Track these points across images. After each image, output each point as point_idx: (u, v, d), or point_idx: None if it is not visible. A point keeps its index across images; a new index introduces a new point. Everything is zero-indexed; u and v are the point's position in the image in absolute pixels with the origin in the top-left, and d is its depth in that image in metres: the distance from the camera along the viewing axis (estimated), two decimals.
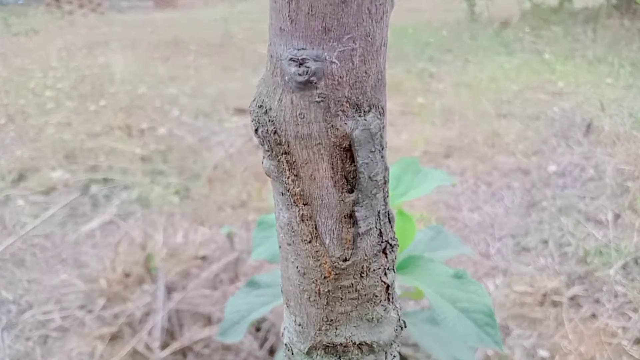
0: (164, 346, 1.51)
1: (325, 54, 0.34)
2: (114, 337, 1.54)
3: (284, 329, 0.47)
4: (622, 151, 2.54)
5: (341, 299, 0.42)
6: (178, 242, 2.00)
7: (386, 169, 0.39)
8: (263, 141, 0.38)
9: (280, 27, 0.34)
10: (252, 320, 1.20)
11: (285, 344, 0.47)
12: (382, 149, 0.38)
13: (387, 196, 0.41)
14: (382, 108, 0.38)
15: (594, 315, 1.59)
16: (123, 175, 2.60)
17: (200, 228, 2.13)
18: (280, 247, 0.44)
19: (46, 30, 6.82)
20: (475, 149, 2.79)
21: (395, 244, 0.42)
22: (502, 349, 1.05)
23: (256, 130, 0.38)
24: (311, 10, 0.32)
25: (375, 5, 0.33)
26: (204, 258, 1.92)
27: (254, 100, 0.38)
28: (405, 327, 0.45)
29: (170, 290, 1.73)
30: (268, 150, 0.39)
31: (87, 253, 1.98)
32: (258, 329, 1.60)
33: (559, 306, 1.63)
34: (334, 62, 0.34)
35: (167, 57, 5.30)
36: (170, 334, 1.58)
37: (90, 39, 6.14)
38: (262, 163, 0.40)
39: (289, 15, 0.33)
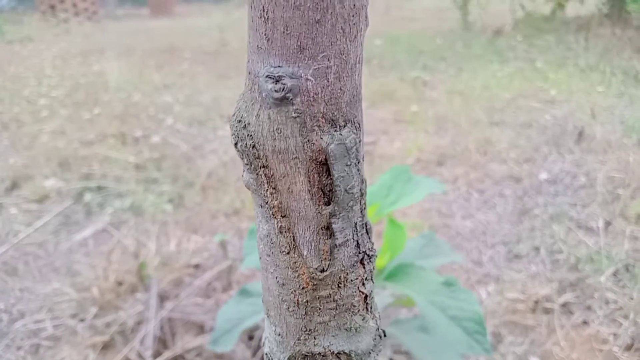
0: (156, 355, 1.51)
1: (301, 71, 0.35)
2: (106, 346, 1.54)
3: (265, 338, 0.48)
4: (613, 159, 2.56)
5: (319, 309, 0.43)
6: (171, 251, 2.00)
7: (363, 181, 0.40)
8: (242, 155, 0.39)
9: (257, 45, 0.35)
10: (244, 329, 1.20)
11: (266, 354, 0.47)
12: (358, 163, 0.39)
13: (365, 208, 0.41)
14: (358, 123, 0.39)
15: (585, 322, 1.59)
16: (117, 183, 2.60)
17: (194, 236, 2.13)
18: (260, 258, 0.45)
19: (41, 38, 6.82)
20: (468, 156, 2.81)
21: (372, 255, 0.43)
22: (492, 356, 1.05)
23: (236, 144, 0.39)
24: (286, 30, 0.33)
25: (349, 24, 0.34)
26: (196, 266, 1.93)
27: (234, 114, 0.39)
28: (385, 336, 0.46)
29: (162, 298, 1.73)
30: (247, 164, 0.40)
31: (79, 261, 1.97)
32: (250, 338, 1.60)
33: (551, 313, 1.64)
34: (309, 79, 0.35)
35: (161, 65, 5.31)
36: (162, 343, 1.58)
37: (85, 46, 6.15)
38: (242, 176, 0.41)
39: (265, 34, 0.34)
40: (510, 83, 4.20)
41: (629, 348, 1.49)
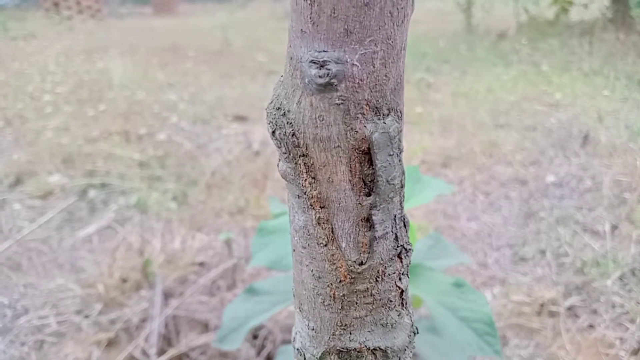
0: (160, 352, 1.50)
1: (347, 56, 0.34)
2: (111, 343, 1.53)
3: (296, 333, 0.47)
4: (619, 163, 2.55)
5: (356, 303, 0.42)
6: (176, 248, 1.99)
7: (403, 172, 0.39)
8: (280, 143, 0.38)
9: (302, 29, 0.34)
10: (250, 328, 1.20)
11: (297, 349, 0.46)
12: (400, 153, 0.38)
13: (403, 200, 0.40)
14: (401, 112, 0.38)
15: (591, 326, 1.59)
16: (121, 180, 2.59)
17: (198, 234, 2.12)
18: (294, 250, 0.44)
19: (44, 35, 6.82)
20: (473, 158, 2.80)
21: (409, 249, 0.42)
22: (502, 358, 1.05)
23: (273, 132, 0.38)
24: (334, 13, 0.32)
25: (397, 8, 0.34)
26: (201, 264, 1.92)
27: (271, 102, 0.38)
28: (418, 333, 0.45)
29: (167, 296, 1.72)
30: (285, 153, 0.38)
31: (84, 258, 1.97)
32: (255, 337, 1.59)
33: (557, 316, 1.63)
34: (355, 65, 0.34)
35: (165, 64, 5.30)
36: (167, 340, 1.57)
37: (89, 44, 6.15)
38: (278, 166, 0.40)
39: (310, 18, 0.33)
40: (514, 86, 4.20)
41: (635, 352, 1.48)
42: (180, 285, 1.79)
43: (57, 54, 5.32)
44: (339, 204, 0.39)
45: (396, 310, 0.44)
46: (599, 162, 2.62)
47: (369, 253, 0.40)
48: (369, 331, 0.43)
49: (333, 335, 0.44)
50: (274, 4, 11.58)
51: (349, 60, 0.34)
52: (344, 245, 0.40)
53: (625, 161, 2.56)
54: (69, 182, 2.57)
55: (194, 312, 1.67)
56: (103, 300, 1.68)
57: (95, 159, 2.82)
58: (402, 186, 0.39)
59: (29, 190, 2.52)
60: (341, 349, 0.44)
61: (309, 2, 0.33)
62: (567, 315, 1.64)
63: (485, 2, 7.74)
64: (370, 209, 0.39)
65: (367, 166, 0.38)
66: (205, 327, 1.64)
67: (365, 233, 0.40)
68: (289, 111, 0.37)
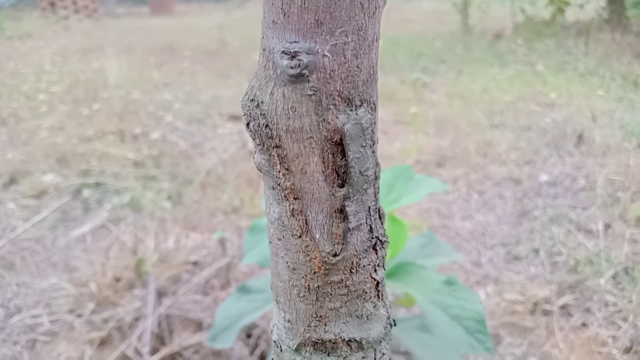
0: (153, 351, 1.50)
1: (318, 47, 0.34)
2: (104, 342, 1.53)
3: (273, 325, 0.47)
4: (613, 162, 2.56)
5: (331, 294, 0.42)
6: (169, 248, 1.99)
7: (377, 164, 0.39)
8: (254, 135, 0.38)
9: (273, 20, 0.34)
10: (243, 326, 1.20)
11: (274, 341, 0.46)
12: (373, 144, 0.39)
13: (378, 192, 0.41)
14: (374, 103, 0.38)
15: (584, 324, 1.59)
16: (115, 180, 2.59)
17: (192, 233, 2.12)
18: (270, 242, 0.44)
19: (41, 35, 6.81)
20: (468, 158, 2.80)
21: (385, 241, 0.42)
22: (493, 356, 1.05)
23: (247, 124, 0.38)
24: (304, 4, 0.33)
25: (368, 0, 0.34)
26: (195, 263, 1.92)
27: (246, 94, 0.38)
28: (395, 325, 0.45)
29: (160, 295, 1.72)
30: (259, 144, 0.39)
31: (77, 257, 1.96)
32: (249, 335, 1.59)
33: (550, 315, 1.63)
34: (326, 56, 0.34)
35: (161, 63, 5.30)
36: (160, 339, 1.57)
37: (85, 44, 6.13)
38: (253, 158, 0.40)
39: (281, 8, 0.34)
40: (510, 86, 4.21)
41: (628, 351, 1.48)
42: (173, 284, 1.79)
43: (53, 54, 5.31)
44: (313, 195, 0.39)
45: (372, 302, 0.44)
46: (593, 162, 2.62)
47: (342, 244, 0.40)
48: (343, 322, 0.43)
49: (308, 326, 0.44)
50: None
51: (320, 51, 0.34)
52: (317, 236, 0.40)
53: (619, 160, 2.56)
54: (63, 181, 2.56)
55: (187, 311, 1.67)
56: (96, 299, 1.68)
57: (90, 158, 2.81)
58: (376, 178, 0.40)
59: (23, 190, 2.51)
60: (316, 341, 0.44)
61: None
62: (560, 313, 1.64)
63: (481, 3, 7.76)
64: (343, 200, 0.39)
65: (340, 157, 0.38)
66: (198, 326, 1.63)
67: (339, 224, 0.40)
68: (262, 102, 0.37)
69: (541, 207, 2.26)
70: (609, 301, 1.66)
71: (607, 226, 2.07)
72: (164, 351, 1.51)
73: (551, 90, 4.01)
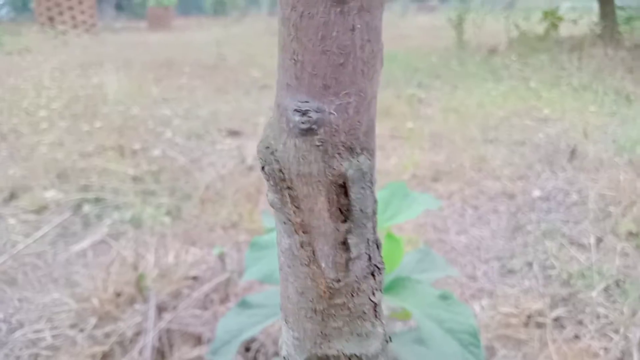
0: None
1: (325, 106, 0.40)
2: (106, 356, 1.56)
3: (282, 342, 0.52)
4: (605, 177, 2.61)
5: (335, 315, 0.48)
6: (169, 263, 2.02)
7: (375, 201, 0.45)
8: (269, 177, 0.44)
9: (287, 83, 0.41)
10: (243, 340, 1.22)
11: (284, 357, 0.52)
12: (372, 185, 0.44)
13: (376, 225, 0.46)
14: (372, 150, 0.44)
15: (577, 336, 1.62)
16: (115, 195, 2.62)
17: (192, 248, 2.15)
18: (280, 269, 0.50)
19: (39, 50, 6.86)
20: (463, 173, 2.85)
21: (382, 267, 0.48)
22: None
23: (263, 167, 0.44)
24: (314, 71, 0.39)
25: (368, 66, 0.40)
26: (195, 278, 1.95)
27: (262, 141, 0.45)
28: (391, 341, 0.50)
29: (161, 310, 1.75)
30: (273, 185, 0.45)
31: (78, 272, 1.99)
32: (247, 349, 1.62)
33: (543, 327, 1.67)
34: (332, 113, 0.40)
35: (160, 79, 5.35)
36: (160, 354, 1.59)
37: (84, 59, 6.19)
38: (267, 196, 0.46)
39: (294, 74, 0.40)
40: (504, 101, 4.28)
41: None
42: (173, 299, 1.82)
43: (52, 69, 5.35)
44: (319, 229, 0.45)
45: (370, 322, 0.50)
46: (585, 177, 2.67)
47: (345, 272, 0.46)
48: (346, 340, 0.49)
49: (315, 343, 0.49)
50: (269, 19, 11.71)
51: (327, 109, 0.40)
52: (323, 265, 0.46)
53: (611, 175, 2.61)
54: (63, 197, 2.59)
55: (187, 326, 1.69)
56: (98, 314, 1.70)
57: (90, 174, 2.84)
58: (374, 213, 0.46)
59: (24, 205, 2.54)
60: (321, 356, 0.50)
61: (293, 61, 0.39)
62: (553, 326, 1.68)
63: (476, 18, 7.88)
64: (346, 234, 0.45)
65: (343, 197, 0.44)
66: (198, 340, 1.66)
67: (342, 254, 0.46)
68: (276, 150, 0.43)
69: (534, 222, 2.30)
70: (600, 313, 1.69)
71: (599, 240, 2.11)
72: None
73: (545, 105, 4.08)
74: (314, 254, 0.46)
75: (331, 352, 0.49)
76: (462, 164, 2.95)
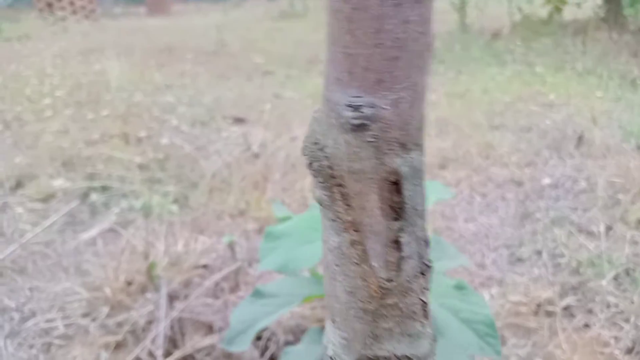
0: (166, 354, 1.54)
1: (378, 101, 0.38)
2: (118, 346, 1.56)
3: (328, 342, 0.51)
4: (613, 164, 2.60)
5: (386, 315, 0.47)
6: (179, 251, 2.02)
7: (424, 198, 0.44)
8: (317, 174, 0.43)
9: (337, 77, 0.39)
10: (257, 330, 1.23)
11: (330, 357, 0.51)
12: (423, 182, 0.43)
13: (425, 223, 0.45)
14: (422, 146, 0.43)
15: (587, 325, 1.63)
16: (121, 183, 2.62)
17: (200, 237, 2.15)
18: (327, 267, 0.48)
19: (39, 36, 6.81)
20: (470, 160, 2.84)
21: (430, 266, 0.47)
22: (502, 359, 1.09)
23: (310, 163, 0.43)
24: (367, 65, 0.37)
25: (421, 60, 0.39)
26: (205, 267, 1.95)
27: (308, 136, 0.43)
28: (436, 341, 0.50)
29: (172, 298, 1.76)
30: (322, 182, 0.43)
31: (88, 261, 1.99)
32: (259, 338, 1.62)
33: (553, 316, 1.67)
34: (386, 109, 0.39)
35: (162, 65, 5.32)
36: (172, 342, 1.60)
37: (85, 45, 6.14)
38: (313, 192, 0.44)
39: (346, 68, 0.38)
40: (509, 86, 4.25)
41: (630, 351, 1.52)
42: (184, 288, 1.82)
43: (54, 56, 5.31)
44: (371, 227, 0.43)
45: (419, 322, 0.49)
46: (593, 163, 2.67)
47: (397, 271, 0.45)
48: (397, 341, 0.48)
49: (364, 344, 0.48)
50: (268, 4, 11.60)
51: (380, 104, 0.39)
52: (375, 264, 0.45)
53: (619, 162, 2.60)
54: (70, 185, 2.59)
55: (199, 315, 1.70)
56: (110, 303, 1.71)
57: (96, 162, 2.84)
58: (425, 210, 0.45)
59: (30, 194, 2.54)
60: (372, 357, 0.49)
61: (344, 55, 0.38)
62: (563, 314, 1.68)
63: (479, 1, 7.79)
64: (398, 232, 0.44)
65: (396, 194, 0.42)
66: (209, 329, 1.67)
67: (394, 253, 0.45)
68: (326, 146, 0.42)
69: (543, 209, 2.30)
70: (610, 302, 1.70)
71: (609, 228, 2.11)
72: (177, 354, 1.54)
73: (550, 90, 4.05)
74: (364, 253, 0.45)
75: (382, 353, 0.48)
76: (469, 150, 2.94)
